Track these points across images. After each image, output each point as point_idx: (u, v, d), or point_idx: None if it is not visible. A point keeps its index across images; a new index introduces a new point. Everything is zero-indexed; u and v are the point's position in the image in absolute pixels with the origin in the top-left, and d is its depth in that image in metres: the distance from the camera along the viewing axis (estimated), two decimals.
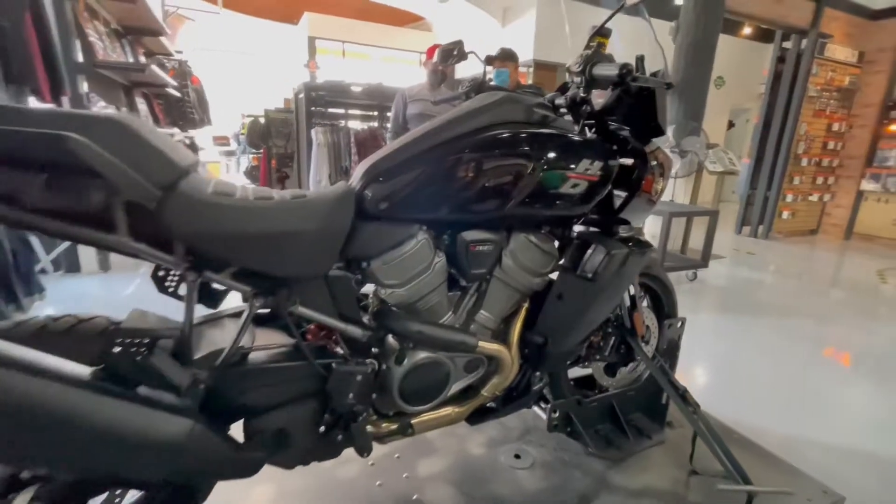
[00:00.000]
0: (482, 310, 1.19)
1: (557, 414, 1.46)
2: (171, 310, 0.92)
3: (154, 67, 3.52)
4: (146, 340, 0.75)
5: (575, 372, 1.57)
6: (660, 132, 1.21)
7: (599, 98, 1.26)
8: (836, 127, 5.89)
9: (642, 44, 1.33)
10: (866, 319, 3.21)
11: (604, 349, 1.48)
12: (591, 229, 1.34)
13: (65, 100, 2.57)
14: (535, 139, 1.06)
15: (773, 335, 2.78)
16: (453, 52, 1.50)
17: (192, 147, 6.60)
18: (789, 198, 5.84)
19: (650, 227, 4.62)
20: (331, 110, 4.22)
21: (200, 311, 1.02)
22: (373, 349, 1.08)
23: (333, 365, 1.00)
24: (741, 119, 9.47)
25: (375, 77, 5.46)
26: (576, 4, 6.82)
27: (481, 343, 1.12)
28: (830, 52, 5.47)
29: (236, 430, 0.96)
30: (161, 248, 0.83)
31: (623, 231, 1.32)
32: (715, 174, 4.54)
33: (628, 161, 1.22)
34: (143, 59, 4.38)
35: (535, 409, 1.60)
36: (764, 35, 8.42)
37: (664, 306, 1.69)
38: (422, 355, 1.09)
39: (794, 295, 3.69)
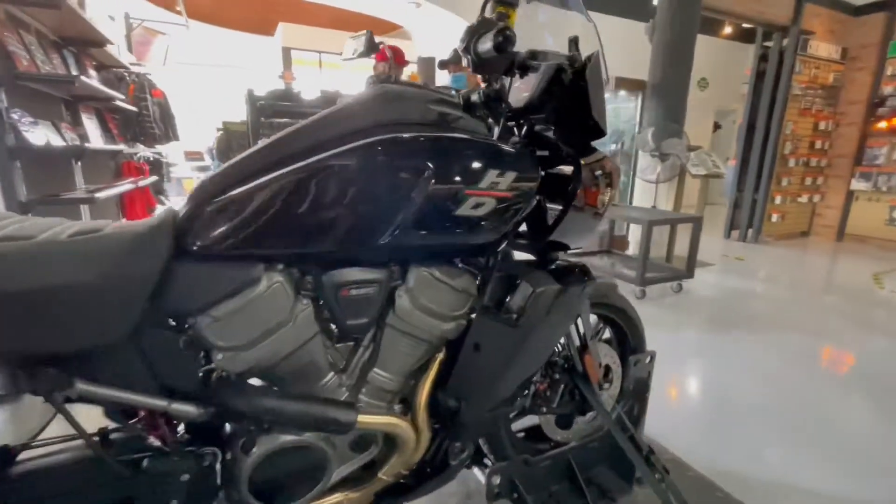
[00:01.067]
0: (376, 367, 0.92)
1: (499, 480, 1.18)
2: None
3: (85, 79, 3.24)
4: None
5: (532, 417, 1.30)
6: (599, 132, 0.96)
7: (526, 92, 1.01)
8: (822, 125, 5.70)
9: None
10: (866, 331, 2.95)
11: (551, 399, 1.21)
12: (525, 256, 1.08)
13: None
14: (422, 145, 0.79)
15: (765, 353, 2.52)
16: (364, 44, 1.25)
17: (157, 164, 6.32)
18: (778, 200, 5.62)
19: (635, 234, 4.37)
20: (284, 120, 3.97)
21: None
22: (223, 432, 0.81)
23: (145, 462, 0.73)
24: (727, 120, 9.33)
25: (351, 87, 5.23)
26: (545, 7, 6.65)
27: (362, 418, 0.85)
28: (813, 49, 5.30)
29: None
30: None
31: (563, 258, 1.06)
32: (698, 178, 4.33)
33: (569, 169, 0.96)
34: (92, 72, 4.12)
35: (476, 469, 1.32)
36: (746, 35, 8.29)
37: (628, 340, 1.42)
38: (282, 439, 0.81)
39: (788, 305, 3.44)
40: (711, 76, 8.63)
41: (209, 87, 9.63)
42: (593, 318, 1.41)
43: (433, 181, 0.78)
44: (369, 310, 0.86)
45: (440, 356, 0.98)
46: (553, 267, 1.01)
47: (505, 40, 0.76)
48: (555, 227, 0.94)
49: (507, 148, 0.88)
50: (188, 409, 0.76)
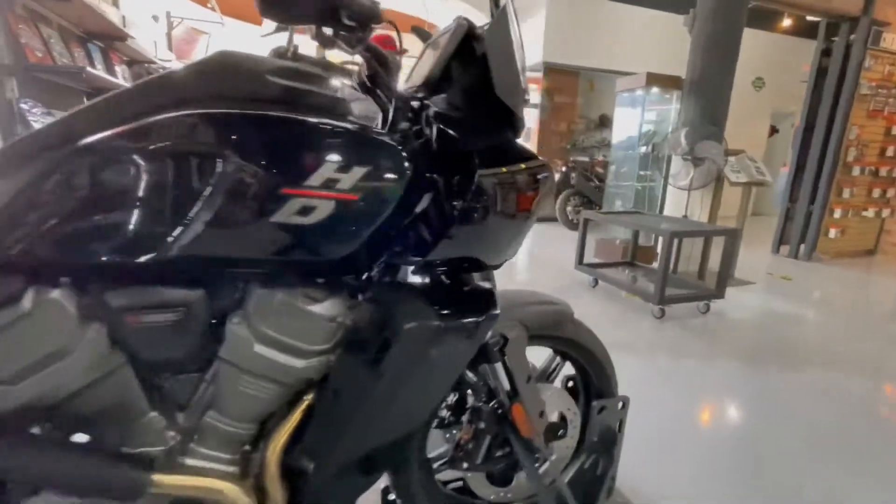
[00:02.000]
0: (212, 410, 0.73)
1: None
2: None
3: (93, 71, 3.29)
4: None
5: None
6: (514, 120, 0.72)
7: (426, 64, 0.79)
8: None
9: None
10: None
11: (473, 453, 0.97)
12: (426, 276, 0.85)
13: None
14: (227, 127, 0.60)
15: (802, 396, 2.11)
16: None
17: None
18: (837, 213, 4.97)
19: (687, 250, 3.93)
20: None
21: None
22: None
23: None
24: (786, 124, 8.50)
25: None
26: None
27: (164, 478, 0.66)
28: (888, 42, 4.64)
29: None
30: None
31: (478, 278, 0.83)
32: (738, 185, 3.86)
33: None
34: (119, 67, 4.25)
35: None
36: (809, 30, 7.50)
37: (592, 381, 1.16)
38: (52, 502, 0.64)
39: (840, 336, 2.94)
40: (768, 75, 7.89)
41: None
42: (549, 353, 1.16)
43: (237, 175, 0.59)
44: (180, 342, 0.67)
45: (307, 400, 0.78)
46: (454, 292, 0.78)
47: None
48: (436, 244, 0.71)
49: (359, 134, 0.66)
50: None
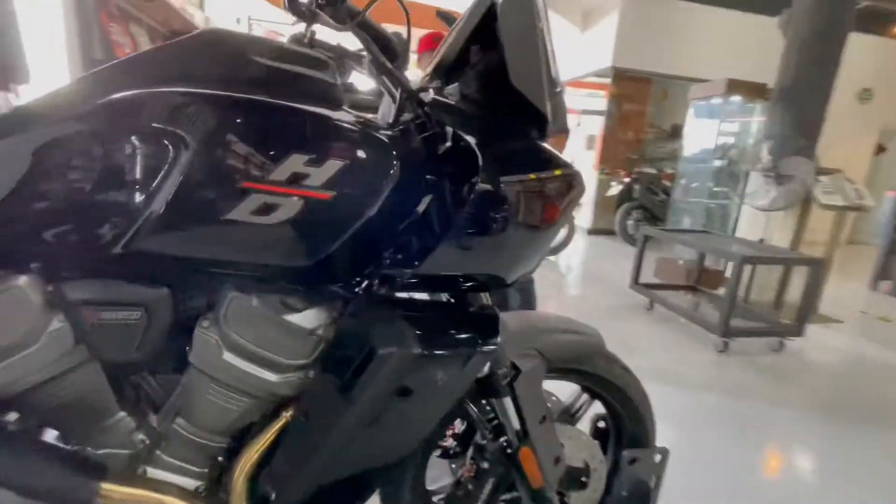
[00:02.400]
0: (180, 416, 0.68)
1: None
2: None
3: None
4: None
5: None
6: (538, 117, 0.60)
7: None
8: None
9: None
10: None
11: (474, 494, 0.85)
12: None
13: (21, 89, 2.54)
14: (196, 108, 0.54)
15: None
16: None
17: None
18: None
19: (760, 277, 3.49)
20: None
21: None
22: None
23: None
24: None
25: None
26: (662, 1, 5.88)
27: (109, 487, 0.61)
28: None
29: None
30: None
31: (485, 298, 0.72)
32: (831, 209, 3.37)
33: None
34: None
35: None
36: None
37: (625, 426, 1.00)
38: None
39: None
40: (878, 86, 6.94)
41: None
42: (575, 389, 1.01)
43: (191, 162, 0.52)
44: (141, 342, 0.61)
45: (285, 417, 0.70)
46: (450, 314, 0.67)
47: None
48: (434, 254, 0.60)
49: (337, 124, 0.57)
50: None
